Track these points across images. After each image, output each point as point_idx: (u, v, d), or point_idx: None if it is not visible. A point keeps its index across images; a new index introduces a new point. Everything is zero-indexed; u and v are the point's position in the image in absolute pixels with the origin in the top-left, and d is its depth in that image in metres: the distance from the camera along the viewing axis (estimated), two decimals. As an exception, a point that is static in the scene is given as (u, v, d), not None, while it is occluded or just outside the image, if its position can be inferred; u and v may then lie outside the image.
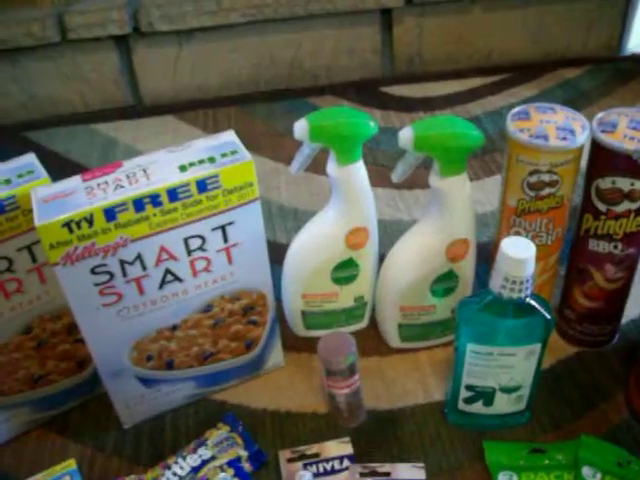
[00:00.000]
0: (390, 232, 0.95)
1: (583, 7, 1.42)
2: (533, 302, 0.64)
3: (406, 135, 0.69)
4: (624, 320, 0.83)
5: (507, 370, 0.68)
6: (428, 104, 1.30)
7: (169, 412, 0.78)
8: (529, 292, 0.62)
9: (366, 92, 1.34)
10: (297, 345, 0.84)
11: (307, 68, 1.38)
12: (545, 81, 1.40)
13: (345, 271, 0.79)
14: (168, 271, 0.67)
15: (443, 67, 1.42)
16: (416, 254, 0.76)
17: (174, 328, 0.72)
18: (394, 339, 0.82)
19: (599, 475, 0.69)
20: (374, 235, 0.78)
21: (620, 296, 0.78)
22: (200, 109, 1.33)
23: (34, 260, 0.68)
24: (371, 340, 0.85)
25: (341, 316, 0.83)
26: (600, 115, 0.71)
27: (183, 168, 0.64)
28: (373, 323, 0.86)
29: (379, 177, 0.94)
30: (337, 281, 0.79)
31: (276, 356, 0.81)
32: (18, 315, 0.70)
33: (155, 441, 0.76)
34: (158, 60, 1.33)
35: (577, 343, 0.83)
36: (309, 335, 0.84)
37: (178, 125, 1.29)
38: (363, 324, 0.85)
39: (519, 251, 0.60)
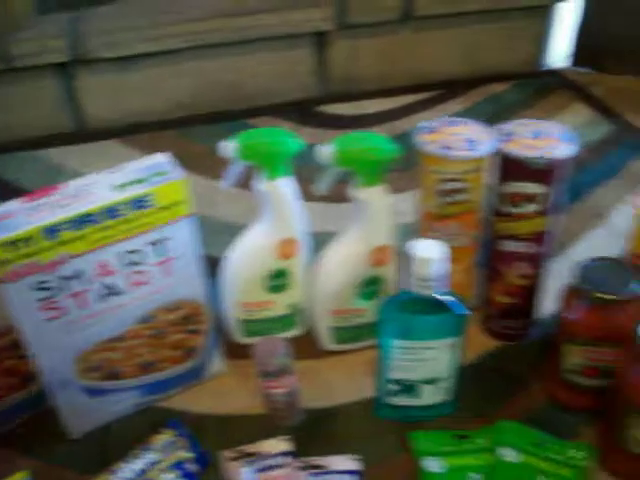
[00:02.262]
0: (321, 243, 1.00)
1: (507, 25, 1.50)
2: (445, 298, 0.69)
3: (326, 151, 0.74)
4: (542, 314, 0.89)
5: (429, 363, 0.74)
6: (361, 121, 1.37)
7: (116, 421, 0.82)
8: (440, 289, 0.68)
9: (302, 112, 1.40)
10: (238, 352, 0.89)
11: (246, 91, 1.43)
12: (474, 96, 1.48)
13: (278, 280, 0.84)
14: (108, 285, 0.72)
15: (376, 86, 1.49)
16: (342, 261, 0.81)
17: (117, 339, 0.76)
18: (328, 342, 0.87)
19: (516, 454, 0.74)
20: (305, 246, 0.84)
21: (533, 292, 0.85)
22: (144, 133, 1.38)
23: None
24: (307, 344, 0.90)
25: (278, 323, 0.88)
26: (503, 126, 0.77)
27: (118, 188, 0.69)
28: (310, 328, 0.91)
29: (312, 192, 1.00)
30: (271, 290, 0.85)
31: (218, 363, 0.85)
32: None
33: (103, 450, 0.80)
34: (101, 86, 1.37)
35: (499, 337, 0.89)
36: (249, 342, 0.88)
37: (122, 149, 1.33)
38: (299, 330, 0.90)
39: (426, 252, 0.66)
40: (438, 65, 1.52)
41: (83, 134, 1.40)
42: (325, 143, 0.76)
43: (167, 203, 0.71)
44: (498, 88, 1.51)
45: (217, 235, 0.88)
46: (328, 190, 0.79)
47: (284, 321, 0.88)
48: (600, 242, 1.08)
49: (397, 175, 0.78)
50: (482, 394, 0.84)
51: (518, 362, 0.88)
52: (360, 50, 1.45)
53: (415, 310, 0.70)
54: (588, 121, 1.41)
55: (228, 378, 0.86)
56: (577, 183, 1.21)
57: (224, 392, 0.85)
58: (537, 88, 1.53)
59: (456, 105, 1.43)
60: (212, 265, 0.82)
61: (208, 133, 1.35)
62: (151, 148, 1.31)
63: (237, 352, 0.88)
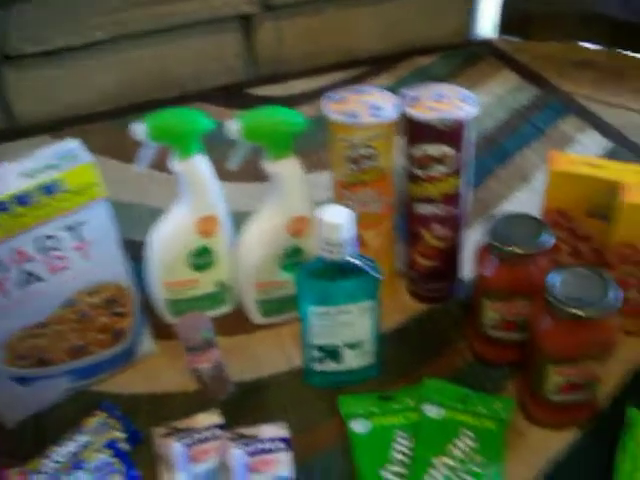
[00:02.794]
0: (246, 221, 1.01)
1: (434, -2, 1.52)
2: (357, 262, 0.71)
3: (233, 126, 0.75)
4: (466, 275, 0.91)
5: (348, 327, 0.76)
6: (290, 101, 1.37)
7: (49, 407, 0.83)
8: (350, 253, 0.70)
9: (231, 95, 1.41)
10: (168, 332, 0.89)
11: (174, 78, 1.43)
12: (401, 70, 1.50)
13: (201, 258, 0.85)
14: (27, 271, 0.72)
15: (304, 65, 1.50)
16: (262, 234, 0.83)
17: (41, 325, 0.77)
18: (256, 316, 0.89)
19: (440, 410, 0.76)
20: (225, 222, 0.85)
21: (452, 253, 0.87)
22: (74, 126, 1.37)
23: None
24: (238, 320, 0.91)
25: (205, 301, 0.89)
26: (407, 91, 0.79)
27: (28, 175, 0.69)
28: (239, 304, 0.92)
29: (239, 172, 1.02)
30: (195, 268, 0.85)
31: (147, 344, 0.86)
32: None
33: (38, 436, 0.80)
34: (28, 82, 1.36)
35: (424, 300, 0.92)
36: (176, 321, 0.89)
37: (54, 143, 1.32)
38: (228, 307, 0.91)
39: (333, 217, 0.67)
40: (365, 42, 1.53)
41: (13, 131, 1.39)
42: (232, 119, 0.77)
43: (78, 187, 0.71)
44: (425, 61, 1.53)
45: (149, 221, 0.89)
46: (240, 165, 0.79)
47: (212, 299, 0.89)
48: (525, 202, 1.10)
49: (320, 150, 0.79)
50: (408, 355, 0.86)
51: (443, 322, 0.90)
52: (286, 31, 1.46)
53: (329, 276, 0.72)
54: (515, 87, 1.44)
55: (158, 358, 0.87)
56: (504, 147, 1.24)
57: (155, 372, 0.86)
58: (465, 58, 1.55)
59: (383, 80, 1.45)
60: (140, 250, 0.83)
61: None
62: (82, 141, 1.31)
63: (167, 332, 0.89)
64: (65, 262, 0.74)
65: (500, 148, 1.24)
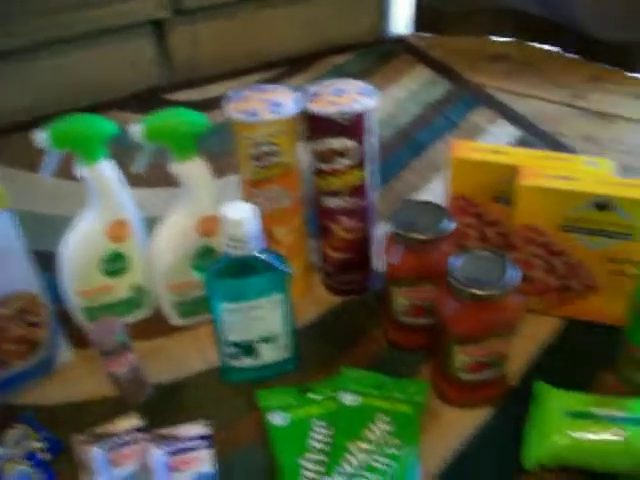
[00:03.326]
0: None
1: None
2: (262, 257, 0.72)
3: (136, 129, 0.76)
4: (381, 267, 0.93)
5: (261, 322, 0.77)
6: (206, 105, 1.37)
7: (-32, 423, 0.82)
8: (256, 249, 0.71)
9: (147, 102, 1.41)
10: (86, 340, 0.89)
11: (90, 86, 1.42)
12: (316, 70, 1.52)
13: (114, 263, 0.85)
14: None
15: (221, 69, 1.51)
16: (173, 235, 0.83)
17: (-46, 340, 0.76)
18: (173, 318, 0.89)
19: (356, 397, 0.78)
20: (137, 227, 0.85)
21: (363, 245, 0.89)
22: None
23: None
24: (156, 323, 0.91)
25: (122, 307, 0.89)
26: (308, 88, 0.81)
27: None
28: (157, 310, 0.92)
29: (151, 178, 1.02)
30: (109, 274, 0.85)
31: (64, 353, 0.86)
32: None
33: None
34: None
35: (339, 293, 0.93)
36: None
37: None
38: (146, 311, 0.92)
39: (236, 213, 0.69)
40: (280, 43, 1.55)
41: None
42: (135, 122, 0.77)
43: (-21, 198, 0.71)
44: (340, 60, 1.55)
45: (62, 231, 0.89)
46: (146, 169, 0.80)
47: (128, 303, 0.89)
48: (438, 192, 1.12)
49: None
50: (326, 348, 0.87)
51: (359, 313, 0.92)
52: (200, 35, 1.47)
53: (238, 272, 0.73)
54: (428, 82, 1.48)
55: (76, 366, 0.87)
56: (418, 140, 1.27)
57: (74, 380, 0.86)
58: (379, 56, 1.58)
59: (299, 80, 1.46)
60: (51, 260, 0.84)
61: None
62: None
63: (85, 341, 0.88)
64: (-29, 274, 0.74)
65: (414, 141, 1.27)
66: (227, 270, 0.73)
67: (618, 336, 0.81)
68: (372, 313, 0.91)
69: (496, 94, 1.42)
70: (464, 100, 1.40)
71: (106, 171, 0.80)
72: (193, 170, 0.79)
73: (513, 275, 0.71)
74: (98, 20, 1.34)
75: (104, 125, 0.78)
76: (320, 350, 0.87)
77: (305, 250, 0.91)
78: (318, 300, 0.94)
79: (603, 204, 0.79)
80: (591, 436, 0.71)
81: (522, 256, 0.85)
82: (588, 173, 0.84)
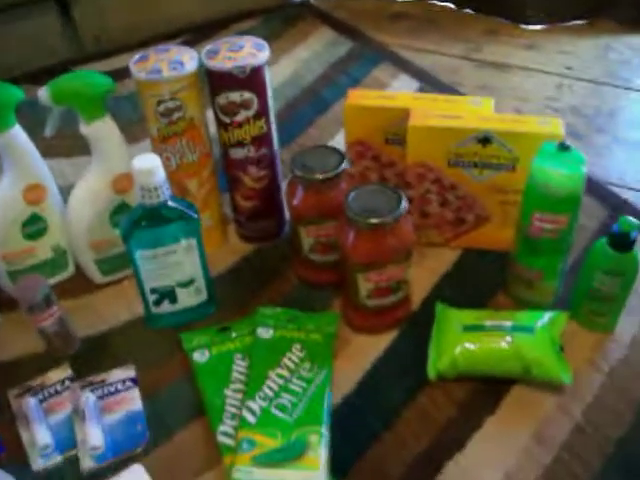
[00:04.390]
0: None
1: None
2: (173, 204, 0.77)
3: (43, 93, 0.80)
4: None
5: (177, 267, 0.83)
6: (115, 75, 1.40)
7: None
8: (166, 196, 0.76)
9: (56, 75, 1.42)
10: (11, 303, 0.93)
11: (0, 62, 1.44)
12: (222, 36, 1.54)
13: (33, 226, 0.89)
14: None
15: (129, 40, 1.53)
16: (89, 194, 0.88)
17: None
18: (96, 276, 0.94)
19: (271, 331, 0.84)
20: (52, 189, 0.89)
21: (271, 192, 0.95)
22: None
23: None
24: (80, 282, 0.96)
25: (45, 268, 0.93)
26: (207, 46, 0.86)
27: None
28: (80, 269, 0.97)
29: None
30: (29, 237, 0.89)
31: (-9, 315, 0.90)
32: None
33: None
34: None
35: (252, 240, 0.99)
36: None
37: None
38: (70, 271, 0.96)
39: (144, 163, 0.74)
40: (185, 12, 1.58)
41: None
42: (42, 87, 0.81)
43: None
44: (246, 25, 1.60)
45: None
46: (54, 132, 0.84)
47: (51, 264, 0.93)
48: (342, 145, 1.19)
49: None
50: (242, 291, 0.93)
51: (272, 258, 0.98)
52: (105, 7, 1.49)
53: (151, 221, 0.78)
54: (332, 42, 1.53)
55: (6, 328, 0.91)
56: (324, 97, 1.33)
57: (4, 341, 0.89)
58: (284, 19, 1.62)
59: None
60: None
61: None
62: None
63: (11, 304, 0.92)
64: None
65: (319, 98, 1.33)
66: (141, 219, 0.78)
67: (507, 265, 0.89)
68: (284, 257, 0.98)
69: (398, 51, 1.49)
70: (367, 58, 1.46)
71: (18, 137, 0.83)
72: (103, 130, 0.83)
73: (402, 205, 0.77)
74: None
75: (11, 91, 0.81)
76: (237, 294, 0.93)
77: (218, 202, 0.97)
78: (233, 249, 0.99)
79: (485, 138, 0.86)
80: (483, 345, 0.80)
81: (417, 193, 0.92)
82: (471, 111, 0.91)
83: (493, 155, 0.87)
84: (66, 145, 1.09)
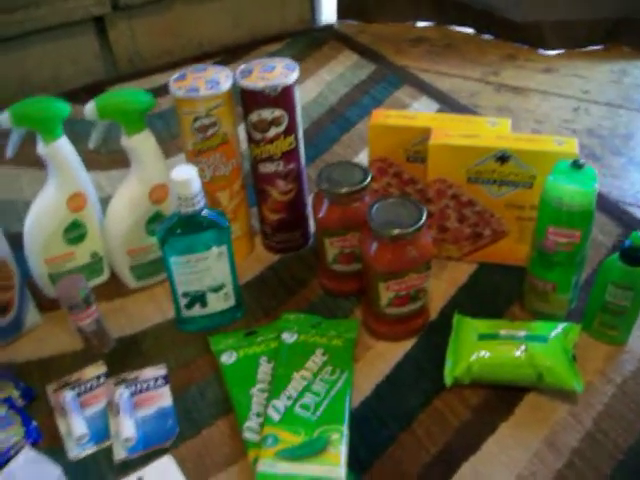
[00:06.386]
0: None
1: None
2: (206, 213, 0.83)
3: (90, 107, 0.86)
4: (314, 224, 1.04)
5: (208, 273, 0.87)
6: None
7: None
8: (201, 206, 0.82)
9: (92, 94, 1.49)
10: (50, 305, 0.98)
11: (35, 83, 1.50)
12: (251, 58, 1.61)
13: (74, 232, 0.94)
14: None
15: (162, 61, 1.60)
16: (126, 204, 0.93)
17: None
18: (130, 281, 0.99)
19: (296, 336, 0.89)
20: (92, 198, 0.95)
21: (297, 205, 1.00)
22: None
23: None
24: (114, 287, 1.01)
25: (83, 272, 0.98)
26: (241, 66, 0.91)
27: None
28: (115, 274, 1.02)
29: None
30: (70, 242, 0.95)
31: (32, 316, 0.95)
32: None
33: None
34: None
35: (279, 251, 1.04)
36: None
37: None
38: (105, 276, 1.01)
39: (183, 174, 0.79)
40: (215, 34, 1.65)
41: None
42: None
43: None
44: (273, 48, 1.66)
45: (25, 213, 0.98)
46: (99, 144, 0.90)
47: (88, 270, 0.98)
48: (365, 162, 1.24)
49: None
50: (268, 299, 0.98)
51: (297, 268, 1.03)
52: (140, 29, 1.56)
53: (186, 228, 0.83)
54: (355, 65, 1.59)
55: (44, 327, 0.96)
56: (347, 116, 1.38)
57: (42, 339, 0.95)
58: (309, 43, 1.69)
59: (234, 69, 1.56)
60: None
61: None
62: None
63: (50, 306, 0.98)
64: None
65: (343, 118, 1.39)
66: (177, 227, 0.83)
67: (524, 277, 0.93)
68: (308, 267, 1.02)
69: (418, 74, 1.54)
70: (389, 80, 1.51)
71: (64, 148, 0.89)
72: (142, 143, 0.89)
73: (423, 217, 0.82)
74: (41, 18, 1.42)
75: (60, 105, 0.87)
76: (263, 301, 0.98)
77: (246, 214, 1.02)
78: (259, 259, 1.04)
79: (503, 157, 0.91)
80: (498, 353, 0.83)
81: (437, 208, 0.97)
82: (489, 131, 0.96)
83: (511, 173, 0.91)
84: (102, 159, 1.15)
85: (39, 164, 0.91)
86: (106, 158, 1.17)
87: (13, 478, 0.74)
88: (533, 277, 0.90)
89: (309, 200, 1.01)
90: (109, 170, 1.19)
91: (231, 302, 0.91)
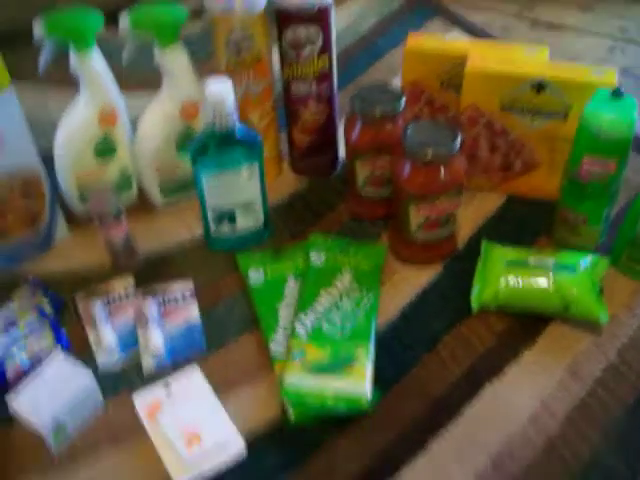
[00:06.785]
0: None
1: None
2: (239, 129, 0.82)
3: (124, 19, 0.85)
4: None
5: (238, 190, 0.87)
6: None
7: (-23, 290, 0.91)
8: (235, 121, 0.81)
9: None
10: (79, 220, 0.99)
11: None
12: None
13: (104, 148, 0.94)
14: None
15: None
16: (157, 120, 0.93)
17: (-35, 210, 0.85)
18: (159, 198, 0.99)
19: (323, 256, 0.89)
20: (123, 114, 0.94)
21: (328, 128, 0.99)
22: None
23: None
24: (142, 204, 1.01)
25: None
26: (278, -17, 0.90)
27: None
28: (143, 192, 1.02)
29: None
30: (100, 158, 0.95)
31: (62, 229, 0.96)
32: None
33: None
34: None
35: (306, 175, 1.04)
36: (87, 211, 0.98)
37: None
38: (133, 194, 1.01)
39: (217, 89, 0.78)
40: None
41: None
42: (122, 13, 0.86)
43: (-14, 77, 0.79)
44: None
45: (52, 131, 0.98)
46: (131, 59, 0.89)
47: (118, 186, 0.98)
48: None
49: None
50: (295, 222, 0.98)
51: (325, 193, 1.03)
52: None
53: (219, 144, 0.83)
54: (388, -5, 1.56)
55: (73, 242, 0.97)
56: (378, 45, 1.36)
57: (71, 253, 0.95)
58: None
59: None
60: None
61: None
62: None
63: (78, 221, 0.98)
64: (-20, 148, 0.82)
65: (374, 46, 1.37)
66: (210, 142, 0.83)
67: (554, 209, 0.92)
68: (337, 192, 1.02)
69: (450, 6, 1.51)
70: (420, 12, 1.49)
71: (96, 61, 0.88)
72: (175, 57, 0.88)
73: (457, 141, 0.81)
74: None
75: (94, 16, 0.86)
76: (290, 224, 0.98)
77: (276, 136, 1.01)
78: (287, 183, 1.04)
79: (539, 85, 0.89)
80: (526, 280, 0.83)
81: (469, 137, 0.96)
82: (527, 59, 0.94)
83: (546, 102, 0.90)
84: (131, 81, 1.13)
85: (67, 84, 0.90)
86: (134, 79, 1.15)
87: (45, 378, 0.75)
88: (564, 208, 0.89)
89: (340, 125, 1.00)
90: (136, 91, 1.18)
91: (259, 222, 0.92)
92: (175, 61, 0.88)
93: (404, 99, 0.87)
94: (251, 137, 0.83)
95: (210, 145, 0.83)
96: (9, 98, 0.82)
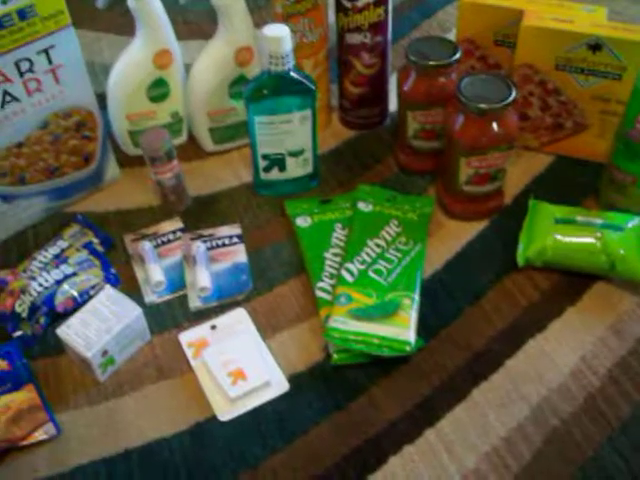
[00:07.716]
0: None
1: None
2: (295, 74, 0.83)
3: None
4: (393, 105, 1.03)
5: (290, 136, 0.88)
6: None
7: (30, 227, 0.93)
8: (291, 66, 0.82)
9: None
10: (129, 162, 1.00)
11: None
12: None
13: (158, 89, 0.95)
14: (6, 92, 0.82)
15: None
16: (212, 64, 0.93)
17: (20, 145, 0.86)
18: (208, 143, 1.00)
19: (371, 206, 0.90)
20: (178, 56, 0.95)
21: (380, 80, 0.99)
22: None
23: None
24: (192, 149, 1.03)
25: (163, 131, 0.99)
26: None
27: (4, 1, 0.78)
28: (192, 137, 1.03)
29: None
30: (153, 100, 0.96)
31: (112, 169, 0.97)
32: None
33: (22, 251, 0.91)
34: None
35: (355, 127, 1.04)
36: (137, 153, 1.00)
37: None
38: (183, 138, 1.02)
39: (275, 32, 0.79)
40: None
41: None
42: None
43: (48, 13, 0.80)
44: None
45: (104, 76, 0.99)
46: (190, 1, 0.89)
47: (168, 129, 0.98)
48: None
49: None
50: (343, 171, 0.99)
51: (373, 145, 1.03)
52: None
53: (273, 87, 0.83)
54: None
55: (123, 181, 0.99)
56: (430, 2, 1.35)
57: (121, 192, 0.97)
58: None
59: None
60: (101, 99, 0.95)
61: None
62: None
63: (129, 162, 1.00)
64: (39, 85, 0.84)
65: (425, 4, 1.36)
66: (265, 85, 0.83)
67: (603, 170, 0.92)
68: (385, 145, 1.02)
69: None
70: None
71: (154, 1, 0.89)
72: (230, 1, 0.88)
73: (512, 94, 0.81)
74: None
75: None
76: (339, 173, 0.98)
77: (327, 86, 1.01)
78: (336, 133, 1.05)
79: (596, 44, 0.88)
80: (573, 237, 0.83)
81: (520, 94, 0.95)
82: (584, 17, 0.93)
83: (601, 62, 0.89)
84: (181, 29, 1.15)
85: (120, 29, 0.91)
86: (185, 28, 1.16)
87: (95, 311, 0.77)
88: (614, 168, 0.89)
89: (391, 78, 1.00)
90: (188, 40, 1.19)
91: (309, 169, 0.92)
92: (231, 6, 0.88)
93: (459, 51, 0.86)
94: (306, 83, 0.84)
95: (265, 88, 0.83)
96: (68, 35, 0.83)
